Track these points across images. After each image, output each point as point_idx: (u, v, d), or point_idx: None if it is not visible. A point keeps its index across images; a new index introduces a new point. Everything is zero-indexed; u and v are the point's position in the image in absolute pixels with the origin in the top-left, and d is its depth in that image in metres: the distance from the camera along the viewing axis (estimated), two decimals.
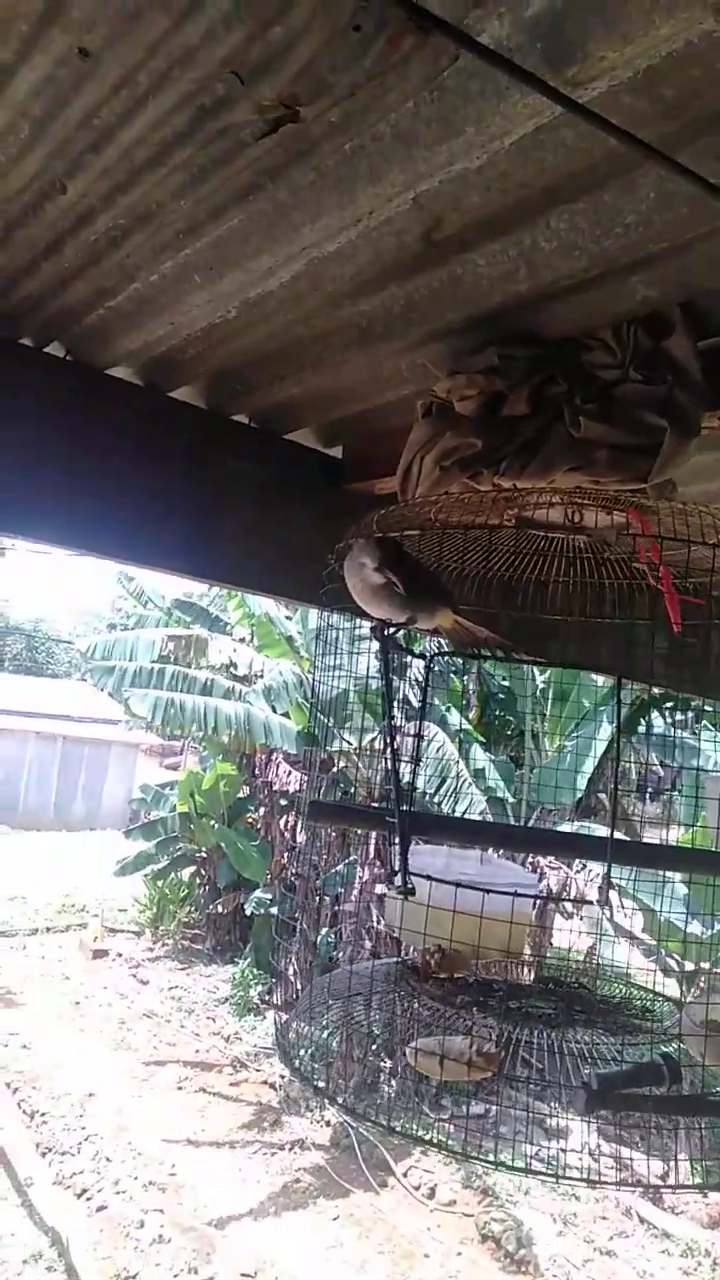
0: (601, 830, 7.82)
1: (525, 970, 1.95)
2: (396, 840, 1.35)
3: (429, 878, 1.33)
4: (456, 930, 1.43)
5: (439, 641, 1.76)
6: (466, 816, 8.09)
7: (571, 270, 1.34)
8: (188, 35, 0.98)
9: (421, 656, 1.64)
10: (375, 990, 1.58)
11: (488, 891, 1.30)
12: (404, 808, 1.38)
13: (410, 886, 1.34)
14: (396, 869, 1.37)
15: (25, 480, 1.83)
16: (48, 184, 1.30)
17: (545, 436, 1.48)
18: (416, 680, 9.62)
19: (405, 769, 1.61)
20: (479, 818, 8.31)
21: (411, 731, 1.95)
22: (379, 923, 9.02)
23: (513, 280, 1.38)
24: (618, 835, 1.42)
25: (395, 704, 1.47)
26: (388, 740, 1.44)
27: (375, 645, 1.52)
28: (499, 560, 1.76)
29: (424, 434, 1.61)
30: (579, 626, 2.02)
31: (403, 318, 1.53)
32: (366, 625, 1.50)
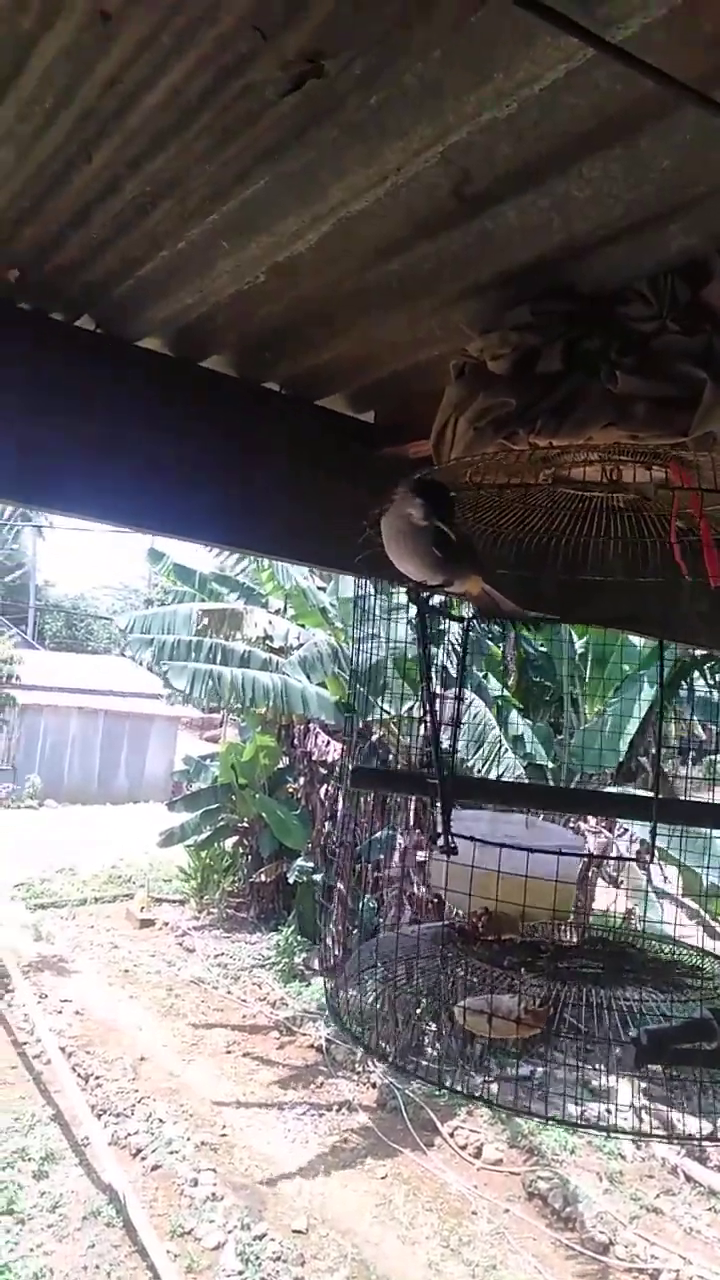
0: (644, 794, 7.78)
1: (572, 932, 1.95)
2: (438, 803, 1.36)
3: (473, 839, 1.34)
4: (503, 892, 1.44)
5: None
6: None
7: (606, 220, 1.30)
8: None
9: (460, 619, 1.63)
10: (423, 953, 1.60)
11: (532, 851, 1.31)
12: (445, 771, 1.38)
13: (453, 846, 1.35)
14: (439, 831, 1.37)
15: (59, 453, 1.84)
16: (74, 153, 1.29)
17: (581, 393, 1.45)
18: (453, 646, 9.61)
19: (445, 733, 1.61)
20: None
21: (451, 696, 1.95)
22: (419, 888, 9.08)
23: (546, 233, 1.35)
24: (629, 792, 1.41)
25: (433, 669, 1.46)
26: (426, 705, 1.44)
27: (413, 611, 1.51)
28: (536, 521, 1.74)
29: (457, 395, 1.58)
30: (621, 587, 2.00)
31: (434, 276, 1.51)
32: (402, 590, 1.50)
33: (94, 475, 1.90)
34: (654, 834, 1.26)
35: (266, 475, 2.14)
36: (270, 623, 11.49)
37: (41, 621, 36.04)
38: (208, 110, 1.15)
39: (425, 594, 1.46)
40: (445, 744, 1.53)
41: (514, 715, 9.66)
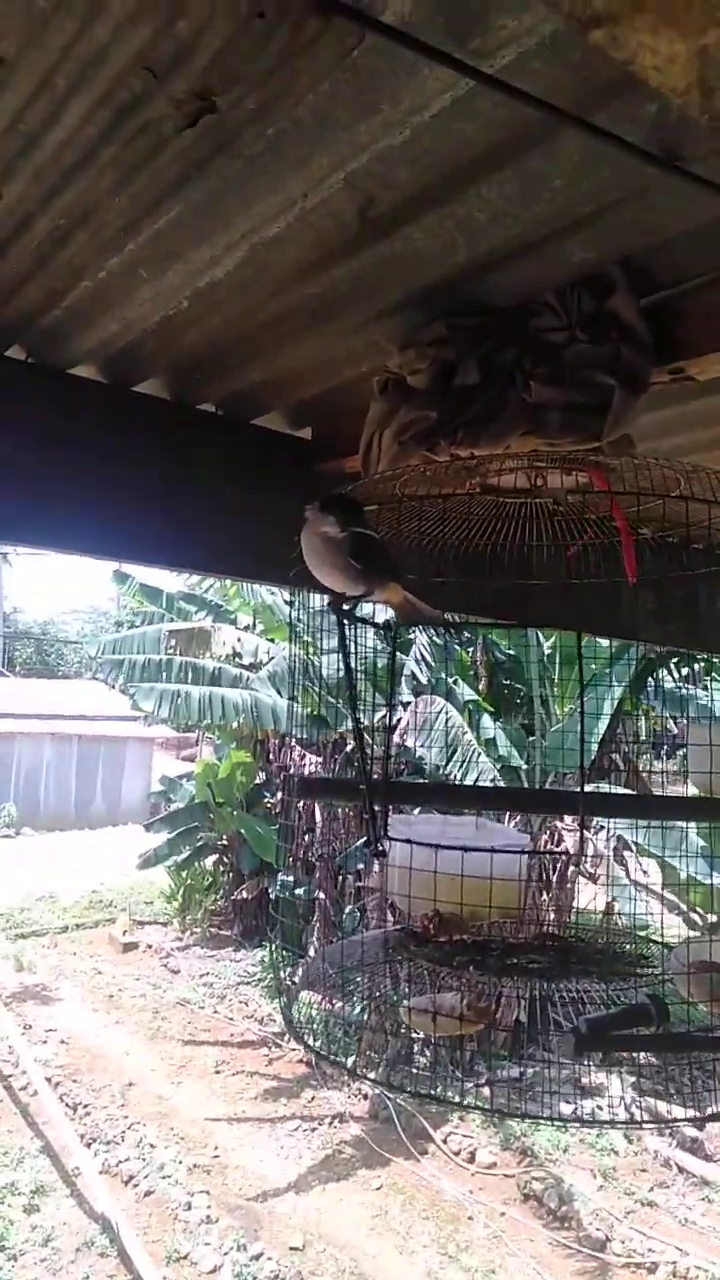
0: (619, 792, 7.86)
1: (532, 928, 1.99)
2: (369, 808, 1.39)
3: (408, 841, 1.37)
4: (452, 893, 1.47)
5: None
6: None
7: (507, 238, 1.35)
8: (97, 35, 0.99)
9: (385, 627, 1.67)
10: (372, 959, 1.62)
11: (466, 850, 1.34)
12: (374, 776, 1.41)
13: (383, 849, 1.38)
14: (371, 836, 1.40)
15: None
16: None
17: (498, 403, 1.50)
18: (421, 657, 9.66)
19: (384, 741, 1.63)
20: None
21: (415, 706, 1.98)
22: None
23: (452, 252, 1.40)
24: (603, 789, 1.45)
25: (357, 677, 1.49)
26: (351, 713, 1.48)
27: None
28: (468, 530, 1.77)
29: (381, 410, 1.63)
30: (562, 590, 2.04)
31: (349, 297, 1.55)
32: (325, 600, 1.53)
33: (34, 503, 1.91)
34: (582, 826, 1.30)
35: (209, 495, 2.16)
36: (239, 639, 11.49)
37: (11, 648, 35.73)
38: (110, 146, 1.19)
39: (347, 605, 1.49)
40: (381, 750, 1.56)
41: (486, 719, 9.71)
